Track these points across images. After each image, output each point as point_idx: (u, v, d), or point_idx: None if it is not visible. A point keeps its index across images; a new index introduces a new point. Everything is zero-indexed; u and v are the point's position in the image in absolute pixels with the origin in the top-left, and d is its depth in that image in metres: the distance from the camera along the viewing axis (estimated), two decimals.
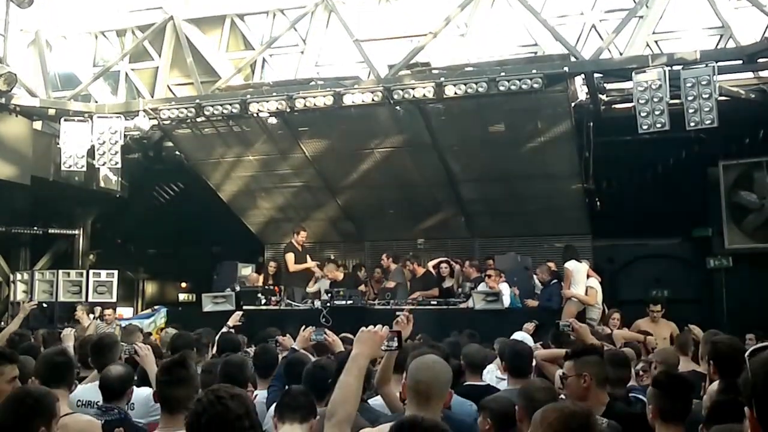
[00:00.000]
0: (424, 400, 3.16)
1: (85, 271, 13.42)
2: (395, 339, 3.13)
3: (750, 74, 11.30)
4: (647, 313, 9.47)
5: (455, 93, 10.74)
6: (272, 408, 3.83)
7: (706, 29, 12.15)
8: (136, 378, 4.78)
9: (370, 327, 3.05)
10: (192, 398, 3.36)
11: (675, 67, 10.14)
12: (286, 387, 4.35)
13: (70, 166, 12.51)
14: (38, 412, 3.16)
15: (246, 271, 13.81)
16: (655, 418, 3.46)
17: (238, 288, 12.65)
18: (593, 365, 3.96)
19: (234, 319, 8.40)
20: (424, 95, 10.91)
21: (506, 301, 11.00)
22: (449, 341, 7.01)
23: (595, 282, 10.66)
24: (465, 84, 10.66)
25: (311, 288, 12.69)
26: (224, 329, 7.95)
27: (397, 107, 11.48)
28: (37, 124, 13.24)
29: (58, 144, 12.70)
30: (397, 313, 9.70)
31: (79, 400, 4.61)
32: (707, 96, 9.82)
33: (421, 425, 2.44)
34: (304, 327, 6.32)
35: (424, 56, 11.78)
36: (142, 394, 4.55)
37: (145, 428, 4.15)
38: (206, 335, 7.72)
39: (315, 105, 11.38)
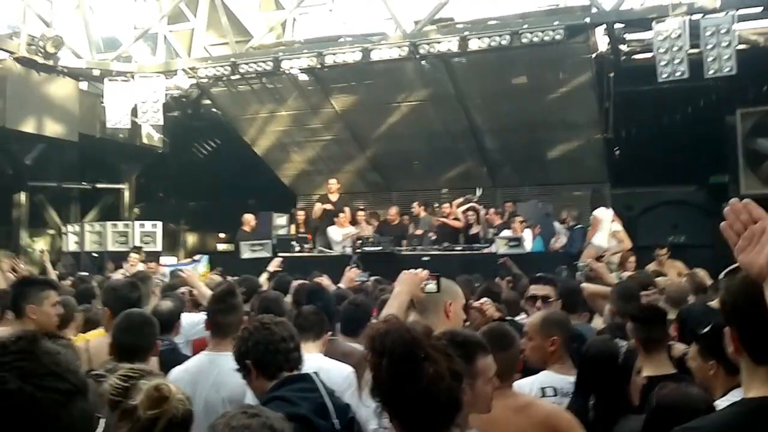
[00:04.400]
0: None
1: (131, 223, 13.47)
2: (434, 282, 3.15)
3: None
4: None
5: (479, 46, 10.53)
6: None
7: None
8: None
9: (412, 270, 3.13)
10: (240, 324, 3.43)
11: (695, 16, 9.74)
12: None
13: (114, 124, 12.54)
14: (156, 330, 3.44)
15: (281, 221, 13.71)
16: (638, 348, 3.39)
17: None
18: (560, 321, 3.73)
19: (274, 264, 8.29)
20: (449, 49, 10.71)
21: (527, 245, 10.90)
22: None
23: (619, 226, 10.45)
24: (488, 37, 10.44)
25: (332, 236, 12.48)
26: (265, 274, 7.88)
27: (423, 61, 11.29)
28: (83, 85, 13.29)
29: (102, 103, 12.75)
30: (423, 258, 9.65)
31: None
32: (726, 44, 9.43)
33: None
34: (349, 267, 6.25)
35: (448, 11, 11.47)
36: (194, 318, 4.74)
37: (188, 355, 4.16)
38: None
39: (344, 61, 11.23)
